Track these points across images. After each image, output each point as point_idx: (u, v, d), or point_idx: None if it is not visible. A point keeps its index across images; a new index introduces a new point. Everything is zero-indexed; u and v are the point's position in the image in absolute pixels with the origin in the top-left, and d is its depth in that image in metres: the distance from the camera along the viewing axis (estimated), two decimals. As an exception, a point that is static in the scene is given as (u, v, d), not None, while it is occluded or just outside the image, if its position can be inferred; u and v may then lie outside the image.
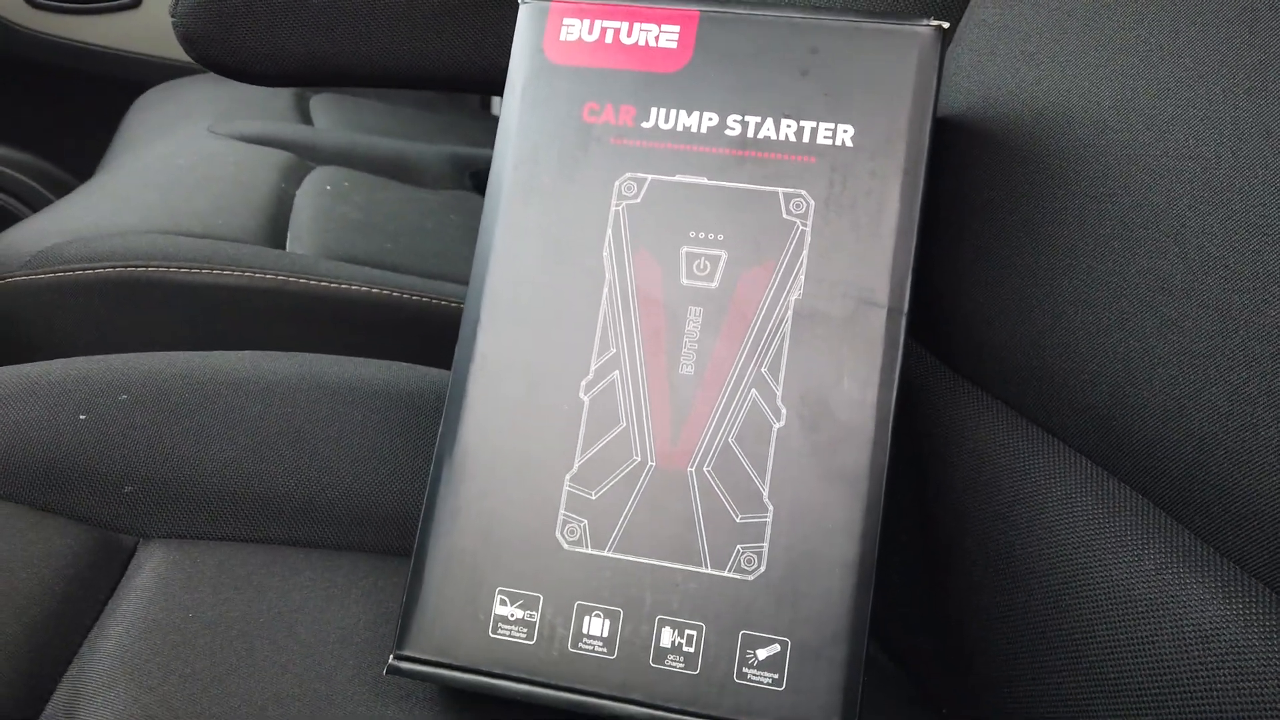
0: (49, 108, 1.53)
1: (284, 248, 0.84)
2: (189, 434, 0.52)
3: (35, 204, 1.42)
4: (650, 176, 0.41)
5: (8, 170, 1.38)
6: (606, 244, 0.40)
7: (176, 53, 1.47)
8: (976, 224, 0.45)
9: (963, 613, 0.44)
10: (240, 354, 0.58)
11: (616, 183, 0.41)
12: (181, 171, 0.94)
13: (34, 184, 1.45)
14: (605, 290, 0.40)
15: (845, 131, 0.40)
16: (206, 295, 0.72)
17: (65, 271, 0.70)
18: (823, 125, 0.40)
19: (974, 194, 0.45)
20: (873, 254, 0.39)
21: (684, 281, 0.40)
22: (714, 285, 0.39)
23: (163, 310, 0.72)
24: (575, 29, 0.42)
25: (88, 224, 0.78)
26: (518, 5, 0.44)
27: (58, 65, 1.50)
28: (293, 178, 0.98)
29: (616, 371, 0.39)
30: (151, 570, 0.47)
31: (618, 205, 0.41)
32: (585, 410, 0.39)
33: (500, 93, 0.60)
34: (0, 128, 1.47)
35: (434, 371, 0.62)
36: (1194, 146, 0.36)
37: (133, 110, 1.28)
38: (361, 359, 0.61)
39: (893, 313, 0.38)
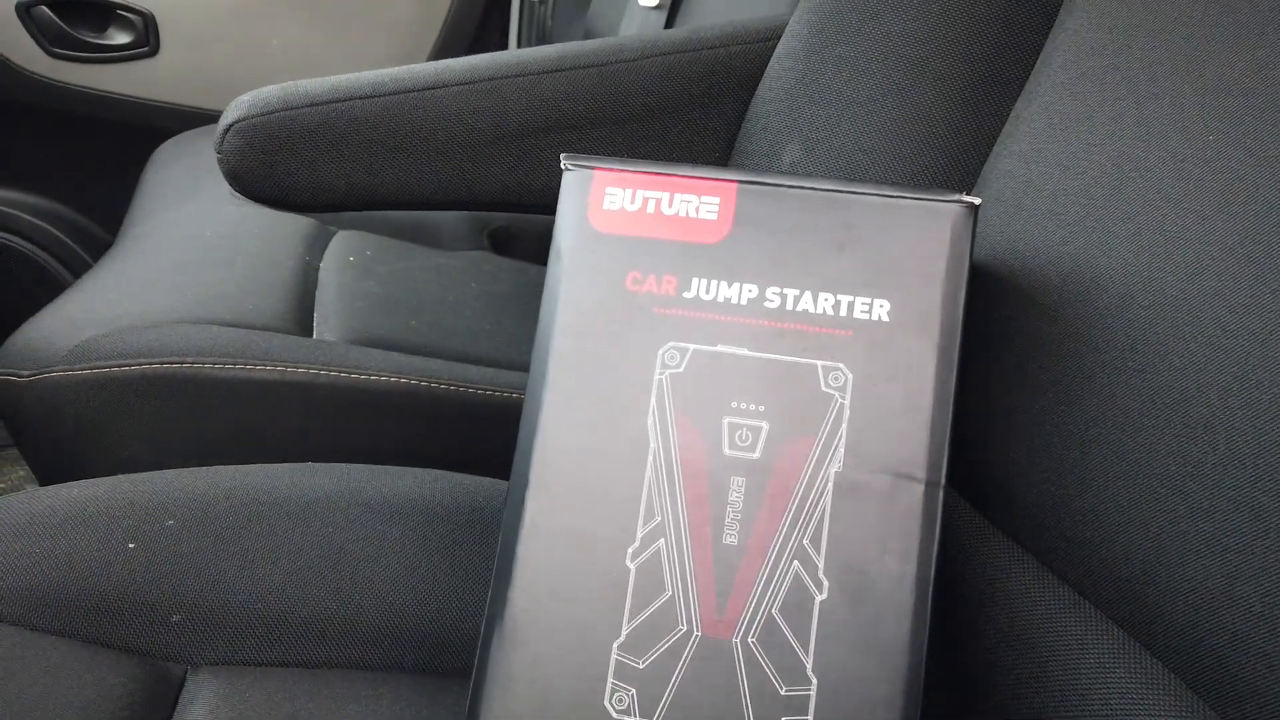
0: (71, 156, 1.54)
1: (311, 331, 0.85)
2: (233, 559, 0.53)
3: (61, 255, 1.43)
4: (693, 346, 0.42)
5: (35, 220, 1.40)
6: (651, 412, 0.42)
7: (195, 100, 1.48)
8: (1008, 376, 0.46)
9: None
10: (279, 469, 0.60)
11: (660, 351, 0.42)
12: (208, 246, 0.95)
13: (60, 234, 1.47)
14: (650, 458, 0.41)
15: (881, 306, 0.41)
16: (241, 390, 0.73)
17: (103, 368, 0.72)
18: (859, 300, 0.41)
19: (1005, 345, 0.47)
20: (910, 428, 0.40)
21: (726, 451, 0.41)
22: (756, 456, 0.41)
23: (199, 405, 0.73)
24: (618, 198, 0.44)
25: (121, 313, 0.80)
26: (559, 158, 0.45)
27: (78, 114, 1.51)
28: (315, 247, 1.00)
29: (662, 539, 0.41)
30: (203, 705, 0.49)
31: (661, 374, 0.42)
32: (632, 578, 0.40)
33: (538, 211, 0.62)
34: (25, 177, 1.49)
35: (466, 480, 0.63)
36: (1222, 338, 0.38)
37: (152, 165, 1.29)
38: (396, 470, 0.62)
39: (930, 487, 0.40)
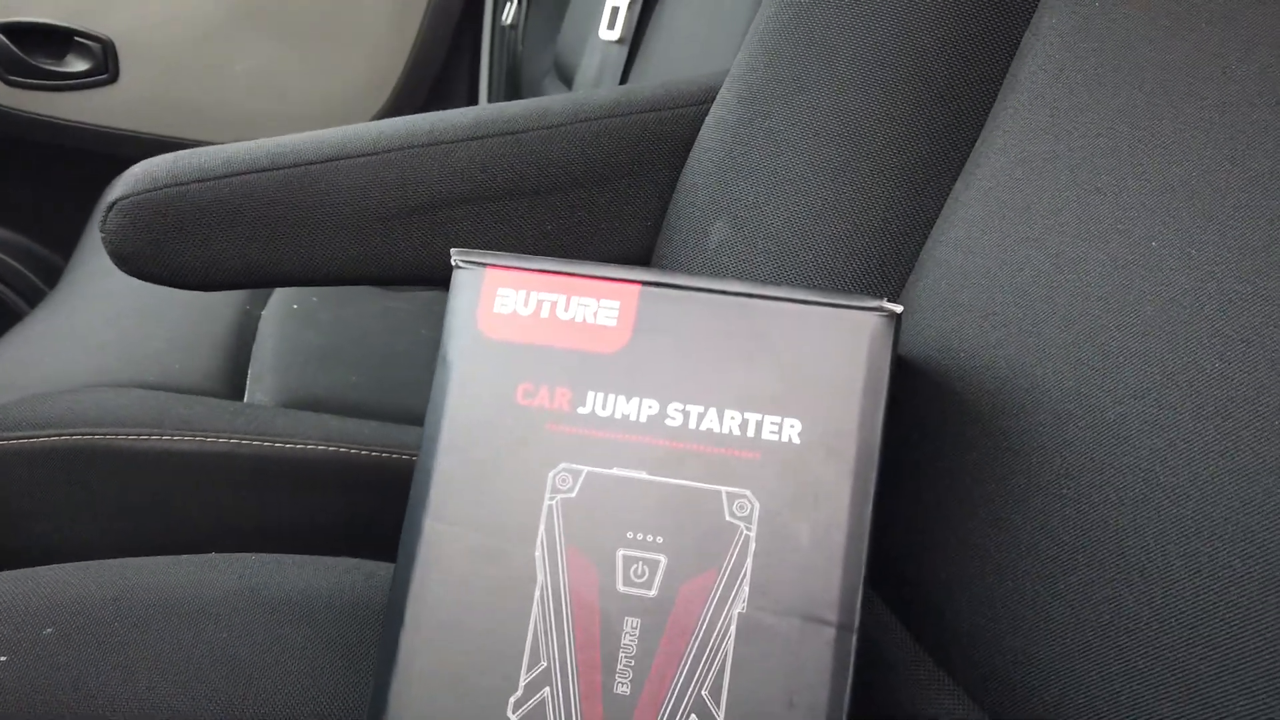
0: (30, 186, 1.51)
1: (243, 391, 0.81)
2: (116, 670, 0.49)
3: (19, 287, 1.40)
4: (586, 469, 0.38)
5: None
6: (539, 542, 0.38)
7: (157, 128, 1.45)
8: (939, 487, 0.42)
9: None
10: (180, 563, 0.56)
11: (551, 474, 0.38)
12: (143, 296, 0.91)
13: (18, 265, 1.43)
14: (537, 594, 0.38)
15: (792, 426, 0.37)
16: (157, 462, 0.69)
17: (9, 440, 0.68)
18: (768, 419, 0.38)
19: (937, 452, 0.43)
20: (821, 564, 0.36)
21: (620, 588, 0.37)
22: (652, 594, 0.37)
23: (112, 478, 0.69)
24: (510, 300, 0.40)
25: (38, 375, 0.76)
26: (451, 260, 0.41)
27: (37, 142, 1.48)
28: (258, 295, 0.96)
29: (547, 688, 0.37)
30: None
31: (551, 499, 0.38)
32: (514, 731, 0.37)
33: (448, 285, 0.58)
34: (-15, 208, 1.46)
35: (382, 570, 0.59)
36: (1160, 474, 0.34)
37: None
38: (308, 560, 0.59)
39: (842, 631, 0.36)
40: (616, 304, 0.39)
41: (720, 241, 0.51)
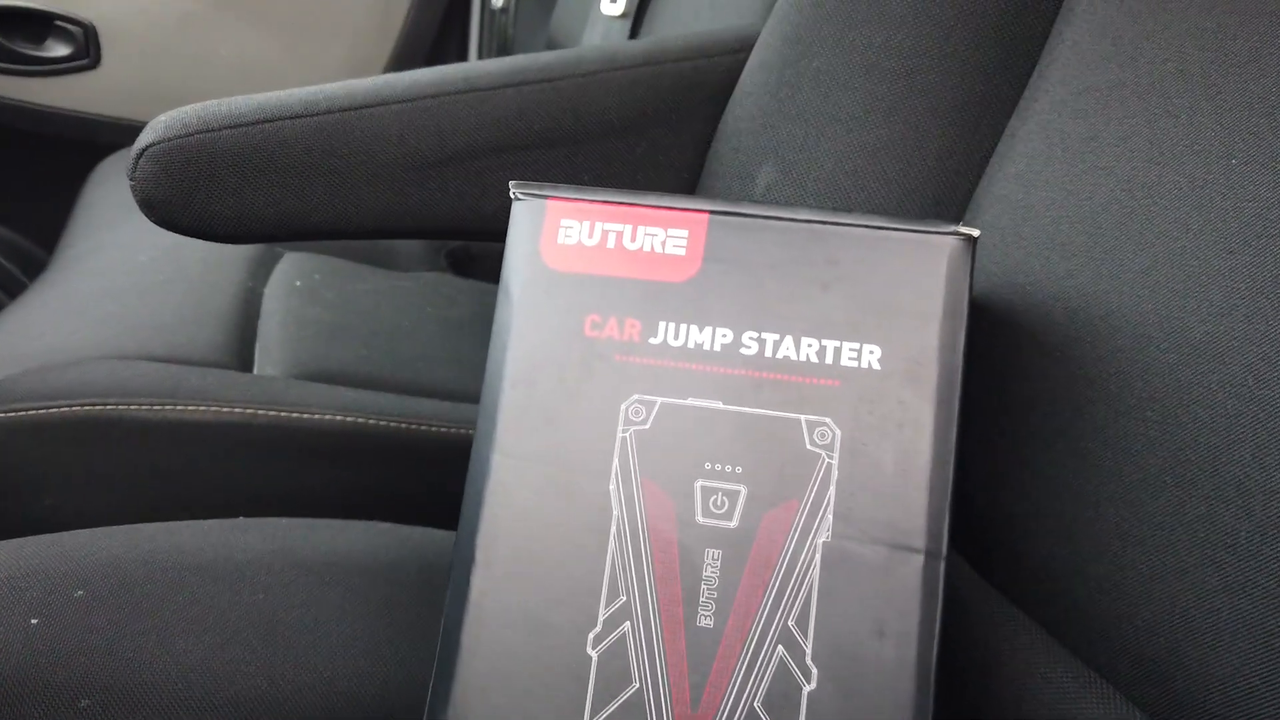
0: (9, 173, 1.47)
1: (252, 364, 0.79)
2: (151, 633, 0.48)
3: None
4: (660, 399, 0.37)
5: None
6: (613, 475, 0.37)
7: (139, 114, 1.42)
8: (1009, 423, 0.42)
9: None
10: (206, 527, 0.54)
11: (623, 406, 0.37)
12: (143, 271, 0.89)
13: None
14: (613, 528, 0.36)
15: (871, 353, 0.37)
16: (171, 432, 0.67)
17: (19, 411, 0.66)
18: (847, 346, 0.37)
19: (1004, 389, 0.42)
20: (906, 492, 0.35)
21: (700, 520, 0.36)
22: (733, 525, 0.36)
23: (125, 449, 0.67)
24: (574, 231, 0.39)
25: (43, 348, 0.74)
26: (509, 187, 0.40)
27: (16, 129, 1.44)
28: (260, 272, 0.94)
29: (627, 623, 0.36)
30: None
31: (625, 431, 0.37)
32: (594, 668, 0.35)
33: (490, 238, 0.57)
34: (-40, 197, 1.42)
35: (415, 534, 0.58)
36: (1255, 388, 0.33)
37: (90, 183, 1.23)
38: (337, 523, 0.57)
39: (930, 558, 0.35)
40: (685, 233, 0.38)
41: (768, 185, 0.50)
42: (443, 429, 0.73)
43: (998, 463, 0.42)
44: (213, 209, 0.49)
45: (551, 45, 1.35)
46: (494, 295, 1.03)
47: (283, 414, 0.70)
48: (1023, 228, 0.43)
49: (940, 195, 0.47)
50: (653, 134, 0.55)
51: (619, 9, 1.06)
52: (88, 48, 1.41)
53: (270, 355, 0.80)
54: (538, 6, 1.49)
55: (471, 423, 0.73)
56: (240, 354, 0.80)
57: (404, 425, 0.73)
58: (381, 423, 0.72)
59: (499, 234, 0.54)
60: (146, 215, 0.49)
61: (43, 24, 1.39)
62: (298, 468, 0.70)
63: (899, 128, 0.48)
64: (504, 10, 1.48)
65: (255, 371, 0.79)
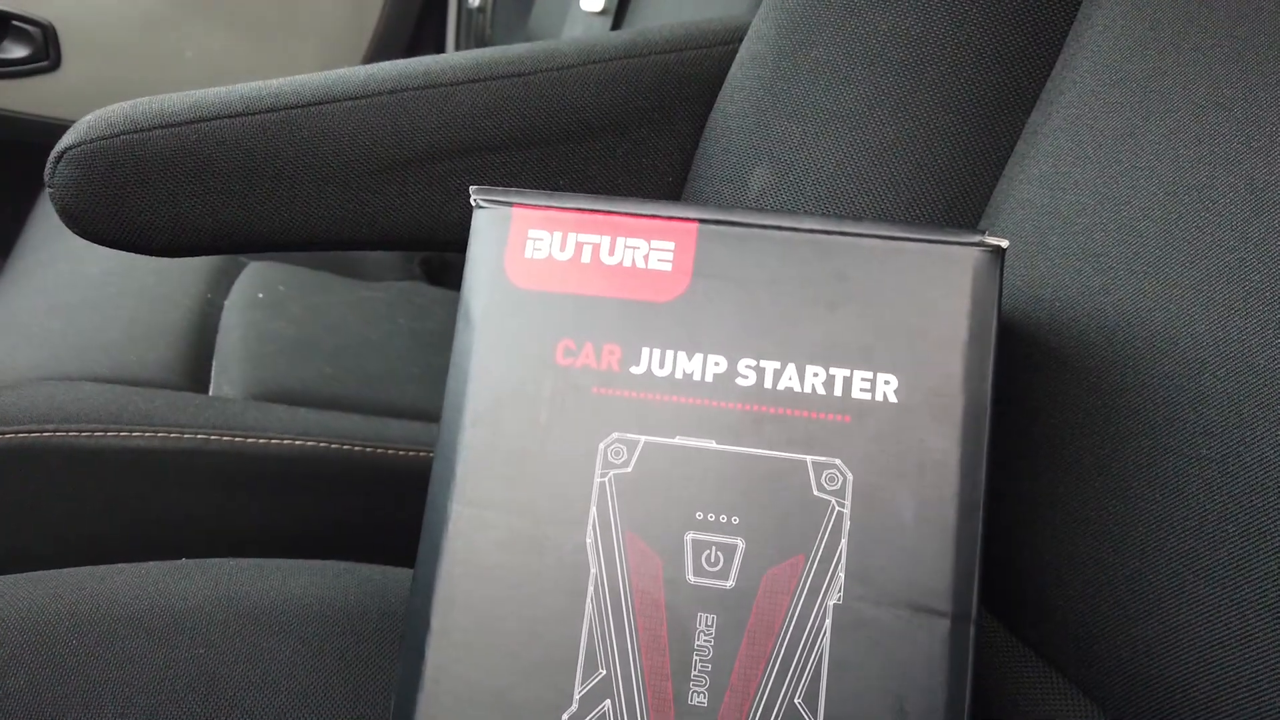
0: (-37, 179, 1.42)
1: (208, 385, 0.74)
2: (76, 696, 0.42)
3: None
4: (643, 438, 0.32)
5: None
6: (591, 527, 0.32)
7: (100, 117, 1.37)
8: (1038, 455, 0.37)
9: None
10: (146, 570, 0.49)
11: (601, 446, 0.32)
12: (93, 284, 0.84)
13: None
14: (591, 589, 0.31)
15: (887, 384, 0.32)
16: (116, 461, 0.62)
17: (-54, 439, 0.60)
18: (858, 375, 0.32)
19: (1031, 417, 0.37)
20: (929, 545, 0.31)
21: (690, 579, 0.31)
22: (729, 584, 0.31)
23: (66, 480, 0.62)
24: (544, 244, 0.34)
25: (-23, 369, 0.68)
26: (471, 199, 0.35)
27: (-28, 134, 1.39)
28: (221, 283, 0.89)
29: (608, 701, 0.31)
30: None
31: (603, 476, 0.32)
32: (569, 754, 0.30)
33: (456, 249, 0.52)
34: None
35: (376, 574, 0.53)
36: (1337, 423, 0.29)
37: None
38: (290, 564, 0.52)
39: (957, 621, 0.30)
40: (671, 245, 0.33)
41: (762, 188, 0.45)
42: (410, 452, 0.68)
43: (1026, 502, 0.37)
44: (143, 219, 0.44)
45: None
46: (470, 305, 0.98)
47: (238, 439, 0.64)
48: (1049, 235, 0.38)
49: (954, 199, 0.43)
50: (634, 133, 0.50)
51: (599, 5, 1.01)
52: (47, 49, 1.35)
53: (228, 374, 0.75)
54: (515, 5, 1.44)
55: (443, 445, 0.68)
56: (195, 374, 0.74)
57: (369, 449, 0.68)
58: (345, 447, 0.67)
59: (462, 244, 0.49)
60: (68, 226, 0.44)
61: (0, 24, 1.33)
62: (253, 498, 0.65)
63: (907, 124, 0.43)
64: (481, 10, 1.44)
65: (211, 392, 0.73)
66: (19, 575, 0.48)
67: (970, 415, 0.31)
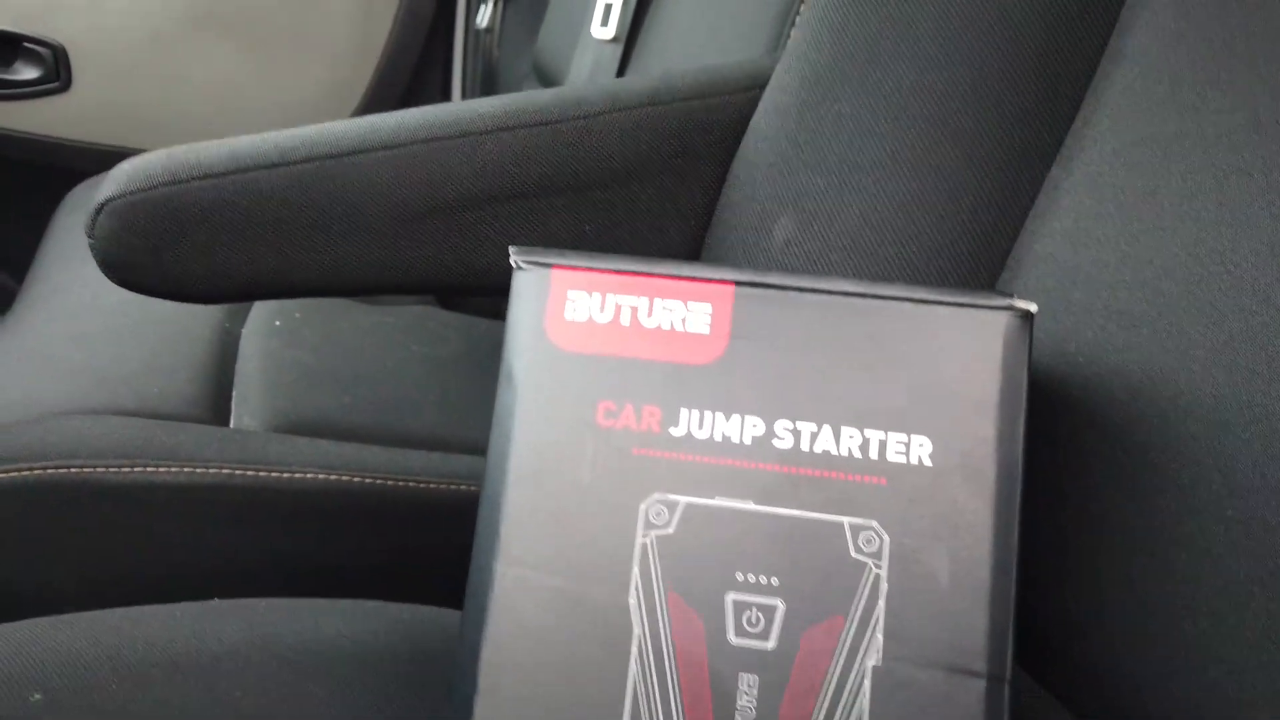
0: (-23, 202, 1.42)
1: (229, 416, 0.75)
2: (116, 741, 0.43)
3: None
4: (684, 499, 0.33)
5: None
6: (633, 587, 0.33)
7: (111, 138, 1.37)
8: (1062, 514, 0.38)
9: None
10: (179, 612, 0.50)
11: (642, 506, 0.33)
12: (112, 313, 0.84)
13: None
14: (634, 649, 0.32)
15: (921, 446, 0.33)
16: (140, 496, 0.63)
17: (-27, 476, 0.61)
18: (893, 437, 0.33)
19: (1056, 474, 0.38)
20: (964, 606, 0.31)
21: (733, 640, 0.32)
22: (770, 645, 0.32)
23: (91, 515, 0.62)
24: (584, 305, 0.35)
25: (3, 401, 0.69)
26: (509, 253, 0.36)
27: (-14, 155, 1.40)
28: (237, 312, 0.89)
29: (652, 760, 0.31)
30: None
31: (645, 536, 0.33)
32: (613, 812, 0.31)
33: (486, 293, 0.53)
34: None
35: (406, 614, 0.54)
36: (1362, 490, 0.29)
37: (61, 211, 1.18)
38: (321, 605, 0.53)
39: (993, 681, 0.31)
40: (708, 307, 0.34)
41: (787, 238, 0.46)
42: (431, 484, 0.69)
43: (1055, 559, 0.38)
44: (181, 269, 0.45)
45: (538, 67, 1.31)
46: (485, 329, 0.99)
47: (261, 473, 0.65)
48: (1072, 291, 0.39)
49: (976, 250, 0.43)
50: (659, 179, 0.51)
51: (610, 33, 1.02)
52: (58, 70, 1.37)
53: (248, 404, 0.75)
54: (523, 27, 1.45)
55: (463, 476, 0.69)
56: (216, 405, 0.75)
57: (390, 482, 0.68)
58: (367, 480, 0.68)
59: (492, 289, 0.50)
60: (107, 276, 0.45)
61: (10, 46, 1.34)
62: (278, 533, 0.66)
63: (930, 177, 0.44)
64: (488, 30, 1.44)
65: (232, 423, 0.74)
66: (52, 619, 0.48)
67: (1002, 477, 0.32)
